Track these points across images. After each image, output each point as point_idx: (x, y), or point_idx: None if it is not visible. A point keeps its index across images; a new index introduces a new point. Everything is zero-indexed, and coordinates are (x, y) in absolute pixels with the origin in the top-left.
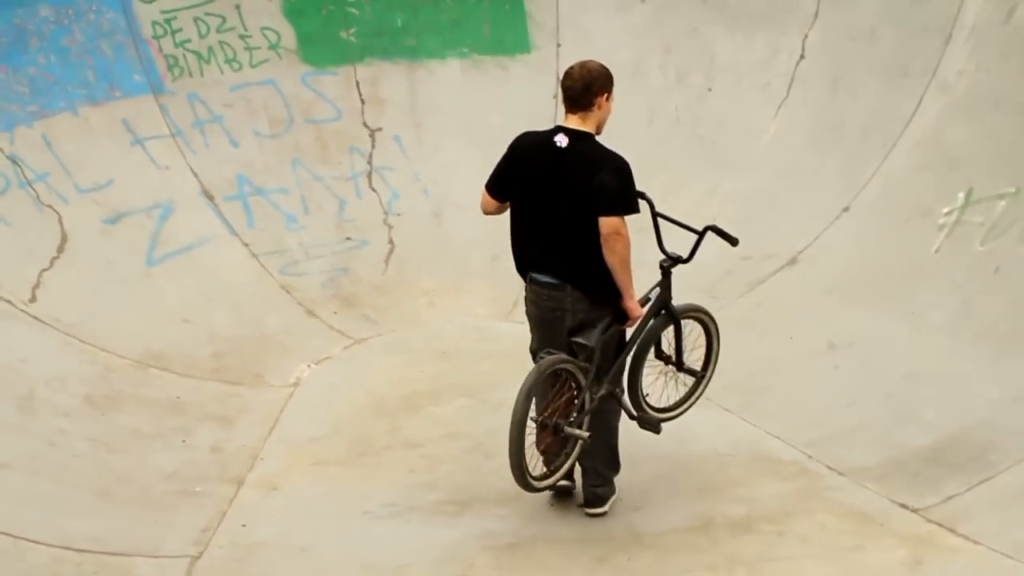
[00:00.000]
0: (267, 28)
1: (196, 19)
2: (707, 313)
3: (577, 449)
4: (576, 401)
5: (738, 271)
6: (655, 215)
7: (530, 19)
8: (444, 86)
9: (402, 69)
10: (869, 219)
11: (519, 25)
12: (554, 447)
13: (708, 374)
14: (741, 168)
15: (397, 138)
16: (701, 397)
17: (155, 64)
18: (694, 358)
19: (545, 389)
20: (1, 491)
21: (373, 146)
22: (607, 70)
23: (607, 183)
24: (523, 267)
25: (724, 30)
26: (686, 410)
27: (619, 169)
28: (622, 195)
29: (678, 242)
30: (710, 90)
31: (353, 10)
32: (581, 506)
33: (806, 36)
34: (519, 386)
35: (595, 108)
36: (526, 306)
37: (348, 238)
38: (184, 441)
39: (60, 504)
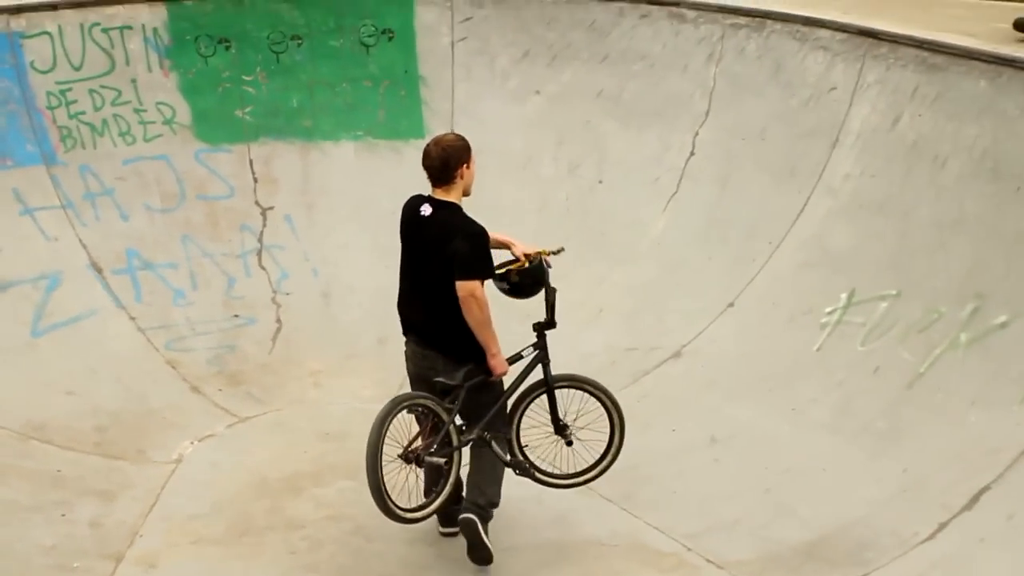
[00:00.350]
0: (162, 103)
1: (91, 91)
2: (595, 385)
3: (448, 483)
4: (438, 435)
5: (623, 362)
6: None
7: (425, 105)
8: (337, 167)
9: (296, 149)
10: (753, 315)
11: (414, 111)
12: (431, 482)
13: (606, 458)
14: (629, 260)
15: (288, 217)
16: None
17: (48, 134)
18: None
19: (412, 426)
20: None
21: (264, 224)
22: (463, 141)
23: (461, 249)
24: (403, 325)
25: (616, 124)
26: (578, 484)
27: (472, 235)
28: (475, 260)
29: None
30: (601, 182)
31: (249, 89)
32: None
33: (696, 133)
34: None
35: (457, 179)
36: (406, 362)
37: (236, 315)
38: (64, 515)
39: None
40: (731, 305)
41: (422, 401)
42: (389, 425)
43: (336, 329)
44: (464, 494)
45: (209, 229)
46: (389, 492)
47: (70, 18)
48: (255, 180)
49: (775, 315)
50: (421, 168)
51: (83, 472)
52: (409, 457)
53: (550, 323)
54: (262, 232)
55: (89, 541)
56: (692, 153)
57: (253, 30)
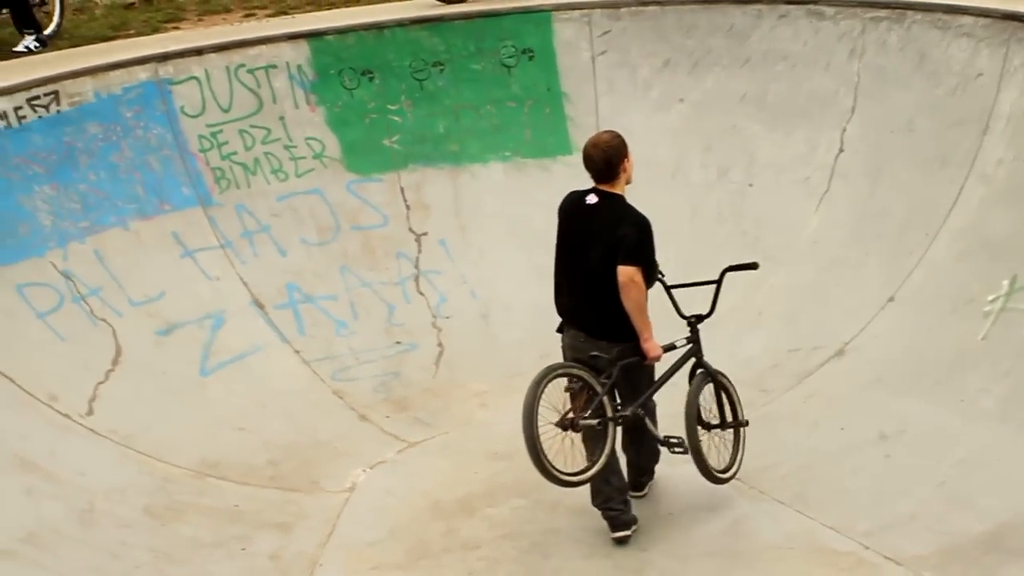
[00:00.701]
0: (311, 138)
1: (241, 131)
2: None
3: (604, 454)
4: (592, 403)
5: (786, 364)
6: (667, 288)
7: (570, 121)
8: (487, 189)
9: (445, 174)
10: (914, 308)
11: (559, 128)
12: (588, 452)
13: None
14: (785, 262)
15: (443, 242)
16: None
17: (203, 177)
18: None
19: (565, 396)
20: None
21: (419, 250)
22: (619, 137)
23: (628, 235)
24: (561, 315)
25: (763, 127)
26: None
27: (640, 223)
28: (640, 247)
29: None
30: (751, 185)
31: (395, 118)
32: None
33: (844, 130)
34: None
35: (620, 174)
36: (563, 352)
37: (398, 342)
38: (244, 549)
39: None
40: (891, 299)
41: (576, 371)
42: (543, 390)
43: (498, 349)
44: (627, 478)
45: (366, 259)
46: (547, 455)
47: (215, 61)
48: (407, 207)
49: (937, 307)
50: (570, 184)
51: (260, 506)
52: (565, 424)
53: (709, 313)
54: (418, 258)
55: (270, 573)
56: (841, 150)
57: (395, 60)
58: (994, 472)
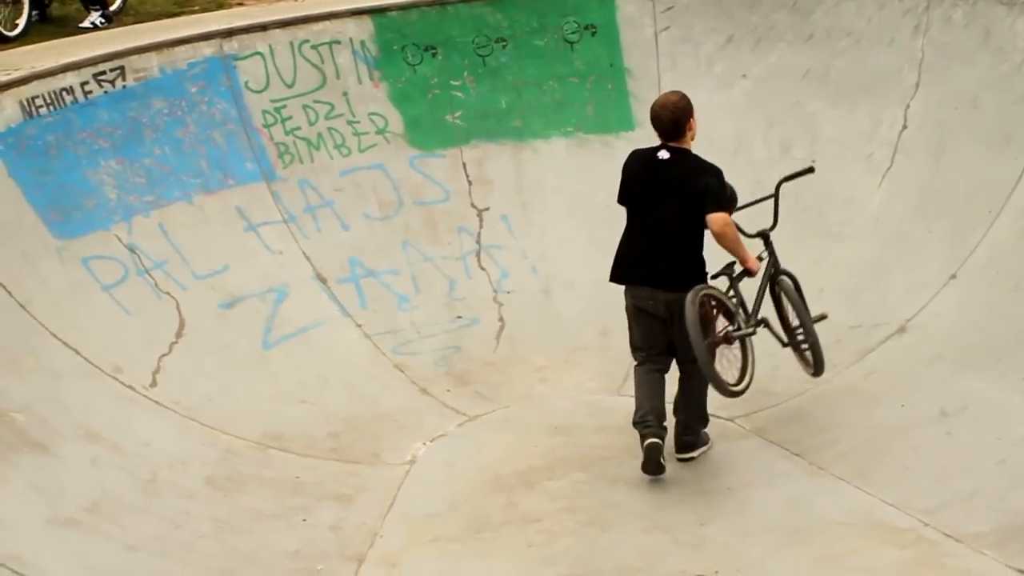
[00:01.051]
0: (374, 114)
1: (305, 107)
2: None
3: (750, 350)
4: (734, 318)
5: (847, 340)
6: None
7: (632, 97)
8: (549, 165)
9: (507, 150)
10: (977, 285)
11: (622, 104)
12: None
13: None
14: (847, 238)
15: (504, 217)
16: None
17: (266, 152)
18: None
19: (705, 320)
20: (130, 573)
21: (481, 226)
22: (686, 98)
23: (712, 184)
24: (627, 269)
25: (825, 103)
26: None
27: (718, 172)
28: (723, 193)
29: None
30: (814, 162)
31: (458, 94)
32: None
33: (908, 106)
34: (633, 460)
35: (687, 132)
36: (629, 305)
37: (459, 316)
38: (305, 520)
39: None
40: (953, 277)
41: (710, 292)
42: (699, 307)
43: (558, 324)
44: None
45: (428, 234)
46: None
47: (279, 37)
48: (469, 183)
49: (999, 284)
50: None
51: (321, 477)
52: (717, 342)
53: (773, 225)
54: (479, 233)
55: (331, 544)
56: (904, 126)
57: (458, 36)
58: None
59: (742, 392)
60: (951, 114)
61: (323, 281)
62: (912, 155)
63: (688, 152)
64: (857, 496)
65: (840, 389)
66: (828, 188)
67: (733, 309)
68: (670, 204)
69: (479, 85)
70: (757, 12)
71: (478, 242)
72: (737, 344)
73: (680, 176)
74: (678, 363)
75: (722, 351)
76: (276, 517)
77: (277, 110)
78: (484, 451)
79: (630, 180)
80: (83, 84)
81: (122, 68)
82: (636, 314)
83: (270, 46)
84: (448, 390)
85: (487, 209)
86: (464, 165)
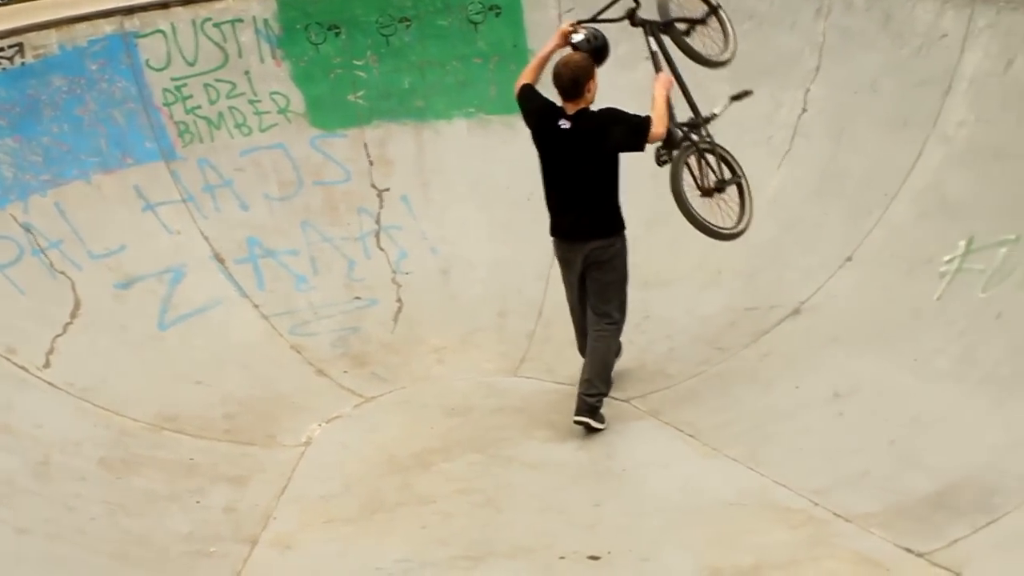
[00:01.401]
0: (276, 93)
1: (206, 85)
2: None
3: (746, 190)
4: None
5: (743, 322)
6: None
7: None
8: (451, 146)
9: (410, 130)
10: (872, 268)
11: None
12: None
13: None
14: None
15: (405, 198)
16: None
17: (166, 131)
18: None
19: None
20: (20, 556)
21: (381, 206)
22: (588, 60)
23: (619, 133)
24: (555, 225)
25: (727, 85)
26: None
27: (612, 114)
28: (633, 128)
29: None
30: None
31: (361, 73)
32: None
33: (808, 90)
34: (528, 441)
35: (586, 93)
36: (558, 256)
37: (357, 297)
38: (198, 502)
39: (78, 568)
40: (849, 259)
41: (688, 143)
42: (682, 170)
43: (457, 305)
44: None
45: (327, 214)
46: (701, 215)
47: (182, 15)
48: (370, 163)
49: (894, 267)
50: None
51: (215, 459)
52: (709, 191)
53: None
54: (379, 214)
55: (224, 526)
56: (804, 109)
57: (362, 15)
58: (945, 432)
59: (743, 232)
60: (851, 98)
61: (221, 261)
62: (811, 138)
63: (586, 111)
64: (750, 477)
65: (735, 371)
66: None
67: (706, 148)
68: (583, 168)
69: (382, 65)
70: None
71: (378, 223)
72: (734, 188)
73: (585, 143)
74: (590, 314)
75: (715, 200)
76: (170, 499)
77: (178, 88)
78: (380, 432)
79: (540, 138)
80: None
81: (20, 45)
82: (562, 266)
83: (172, 24)
84: (345, 371)
85: (387, 190)
86: (365, 145)
